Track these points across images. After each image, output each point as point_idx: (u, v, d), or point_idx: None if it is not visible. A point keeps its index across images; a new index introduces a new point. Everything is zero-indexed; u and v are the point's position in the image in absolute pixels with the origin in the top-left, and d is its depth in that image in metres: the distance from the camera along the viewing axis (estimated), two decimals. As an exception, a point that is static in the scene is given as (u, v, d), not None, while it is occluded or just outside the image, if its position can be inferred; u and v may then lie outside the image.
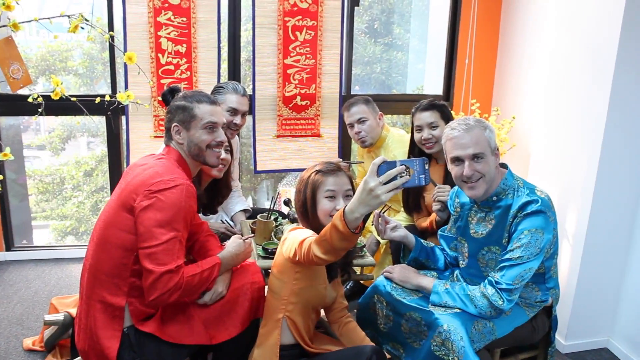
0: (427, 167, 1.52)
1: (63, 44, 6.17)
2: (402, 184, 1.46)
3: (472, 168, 1.94)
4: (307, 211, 1.88)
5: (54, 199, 7.47)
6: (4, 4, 1.79)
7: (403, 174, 1.46)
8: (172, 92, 2.04)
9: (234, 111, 2.69)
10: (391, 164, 1.47)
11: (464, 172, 1.95)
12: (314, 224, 1.86)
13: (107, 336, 1.75)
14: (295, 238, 1.77)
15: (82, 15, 1.90)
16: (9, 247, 3.68)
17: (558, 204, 2.72)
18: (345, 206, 1.52)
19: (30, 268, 3.56)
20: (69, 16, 1.89)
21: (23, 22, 1.89)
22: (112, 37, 2.67)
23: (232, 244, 1.98)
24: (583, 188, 2.57)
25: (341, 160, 2.93)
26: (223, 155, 2.26)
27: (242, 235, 2.67)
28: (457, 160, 1.98)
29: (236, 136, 3.01)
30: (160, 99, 2.01)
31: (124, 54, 2.14)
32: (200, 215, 2.65)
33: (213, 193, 2.42)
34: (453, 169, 2.00)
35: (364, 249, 2.43)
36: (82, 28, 1.92)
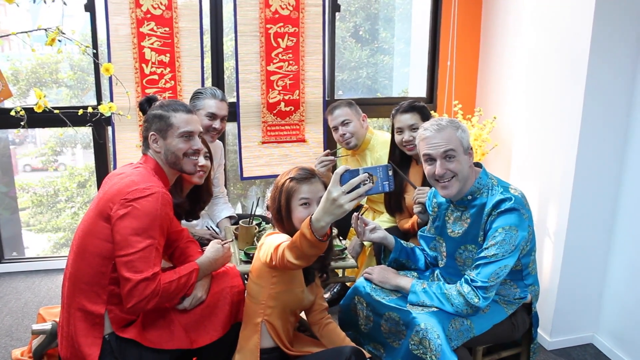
0: (390, 174, 1.55)
1: (52, 56, 6.20)
2: (366, 192, 1.49)
3: (443, 167, 1.97)
4: (282, 218, 1.91)
5: (49, 211, 7.48)
6: None
7: (366, 182, 1.49)
8: (149, 101, 2.07)
9: (212, 116, 2.73)
10: (354, 172, 1.51)
11: (436, 171, 1.98)
12: (290, 230, 1.89)
13: (87, 343, 1.77)
14: (271, 243, 1.79)
15: (58, 28, 1.93)
16: (-1, 259, 3.70)
17: (539, 202, 2.75)
18: (312, 214, 1.55)
19: (21, 280, 3.58)
20: (45, 29, 1.92)
21: (2, 37, 1.92)
22: (95, 49, 2.71)
23: (211, 249, 2.01)
24: (562, 185, 2.60)
25: (329, 151, 2.96)
26: (202, 162, 2.28)
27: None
28: (430, 159, 2.01)
29: (219, 141, 3.03)
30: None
31: (102, 66, 2.16)
32: (184, 221, 2.68)
33: (194, 199, 2.44)
34: (426, 168, 2.04)
35: (345, 251, 2.46)
36: (60, 41, 1.95)
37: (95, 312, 1.80)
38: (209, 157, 2.40)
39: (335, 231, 2.57)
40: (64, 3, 1.93)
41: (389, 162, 2.70)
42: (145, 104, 2.07)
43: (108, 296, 1.81)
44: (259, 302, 1.89)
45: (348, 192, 1.47)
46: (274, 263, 1.75)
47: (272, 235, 1.88)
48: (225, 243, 2.07)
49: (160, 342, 1.84)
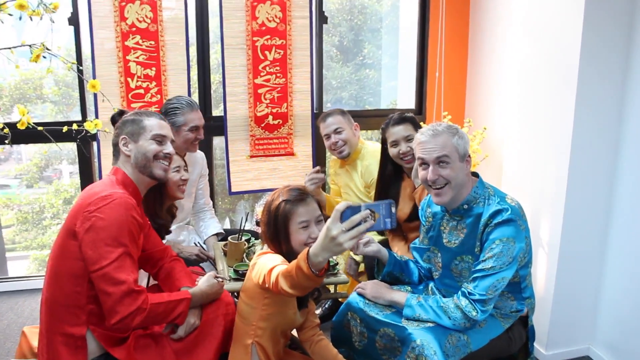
0: (393, 211, 1.50)
1: (37, 72, 6.14)
2: (367, 229, 1.43)
3: (436, 172, 1.94)
4: (280, 242, 1.83)
5: (34, 229, 7.36)
6: None
7: (368, 219, 1.44)
8: (121, 114, 2.03)
9: (196, 128, 2.65)
10: (355, 209, 1.44)
11: (428, 176, 1.95)
12: (287, 251, 1.83)
13: None
14: (264, 265, 1.73)
15: (43, 45, 1.88)
16: (-19, 279, 3.60)
17: (531, 213, 2.73)
18: (310, 247, 1.49)
19: (3, 300, 3.47)
20: (30, 45, 1.87)
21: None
22: (79, 65, 2.63)
23: (205, 282, 1.96)
24: (555, 195, 2.58)
25: (319, 167, 2.90)
26: (186, 175, 2.25)
27: (214, 260, 2.64)
28: (423, 163, 1.98)
29: (201, 152, 2.96)
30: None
31: (88, 82, 2.11)
32: (171, 237, 2.61)
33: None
34: (420, 173, 2.00)
35: (337, 266, 2.41)
36: (45, 57, 1.90)
37: (76, 334, 1.73)
38: (186, 170, 2.37)
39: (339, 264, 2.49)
40: (52, 21, 1.88)
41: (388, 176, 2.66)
42: (117, 117, 2.04)
43: (87, 316, 1.75)
44: (250, 324, 1.83)
45: (348, 230, 1.42)
46: (267, 285, 1.70)
47: (265, 256, 1.82)
48: (221, 279, 2.03)
49: None
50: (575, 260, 2.62)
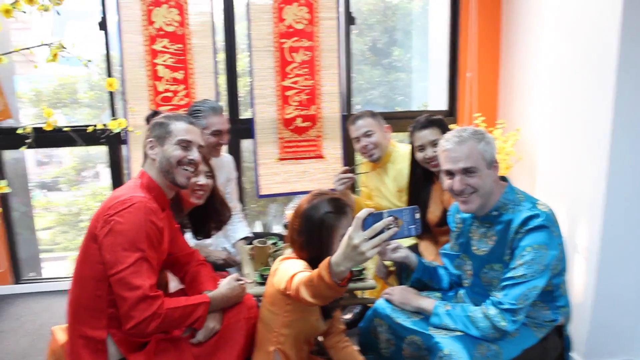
0: (417, 217, 1.45)
1: (73, 77, 6.26)
2: (390, 237, 1.39)
3: (462, 182, 1.86)
4: (318, 251, 1.76)
5: (72, 230, 7.53)
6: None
7: (391, 226, 1.38)
8: (155, 114, 2.02)
9: (219, 132, 2.62)
10: (377, 216, 1.39)
11: (454, 186, 1.87)
12: (319, 259, 1.78)
13: None
14: (286, 271, 1.70)
15: (61, 43, 1.89)
16: (17, 279, 3.67)
17: (568, 217, 2.62)
18: (332, 256, 1.44)
19: (37, 301, 3.54)
20: (48, 45, 1.88)
21: (4, 54, 1.88)
22: (109, 67, 2.67)
23: (226, 285, 1.92)
24: (593, 198, 2.47)
25: (348, 168, 2.85)
26: (202, 181, 2.20)
27: (240, 265, 2.61)
28: (449, 173, 1.91)
29: (229, 155, 2.95)
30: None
31: (106, 81, 2.12)
32: (197, 240, 2.60)
33: (204, 216, 2.36)
34: (446, 182, 1.93)
35: (363, 272, 2.35)
36: (63, 56, 1.91)
37: (97, 337, 1.74)
38: (211, 175, 2.32)
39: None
40: (58, 13, 1.89)
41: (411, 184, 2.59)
42: (151, 117, 2.02)
43: (108, 320, 1.75)
44: (272, 330, 1.80)
45: (370, 238, 1.37)
46: (288, 292, 1.66)
47: (287, 261, 1.78)
48: (243, 282, 1.98)
49: None
50: (616, 266, 2.50)
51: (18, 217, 3.76)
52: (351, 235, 1.38)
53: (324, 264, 1.45)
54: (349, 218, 1.76)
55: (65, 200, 7.55)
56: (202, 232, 2.40)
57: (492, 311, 1.80)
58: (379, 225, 1.37)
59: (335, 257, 1.42)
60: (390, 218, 1.39)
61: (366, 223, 1.38)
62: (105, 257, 1.69)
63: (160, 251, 1.82)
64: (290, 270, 1.67)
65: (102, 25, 3.21)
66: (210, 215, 2.36)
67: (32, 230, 4.08)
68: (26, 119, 4.46)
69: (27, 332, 3.09)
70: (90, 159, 7.11)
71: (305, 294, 1.54)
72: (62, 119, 5.94)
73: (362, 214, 1.38)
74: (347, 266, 1.41)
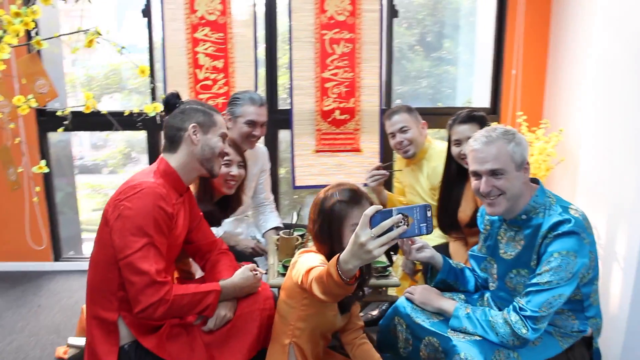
0: (429, 215, 1.40)
1: (124, 63, 6.43)
2: (399, 235, 1.35)
3: (489, 184, 1.80)
4: (329, 241, 1.76)
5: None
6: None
7: (400, 224, 1.34)
8: (178, 97, 1.98)
9: (252, 123, 2.62)
10: (386, 214, 1.35)
11: (481, 188, 1.81)
12: (337, 251, 1.76)
13: (104, 352, 1.74)
14: (303, 265, 1.68)
15: (97, 30, 1.93)
16: (57, 257, 3.81)
17: (608, 223, 2.50)
18: (340, 254, 1.42)
19: (76, 278, 3.66)
20: (85, 31, 1.93)
21: (46, 39, 1.94)
22: (151, 54, 2.70)
23: (240, 275, 1.92)
24: (634, 206, 2.35)
25: (381, 164, 2.81)
26: (235, 171, 2.22)
27: (266, 254, 2.62)
28: (475, 174, 1.85)
29: (263, 147, 2.96)
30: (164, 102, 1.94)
31: (138, 67, 2.15)
32: (226, 230, 2.62)
33: (223, 206, 2.38)
34: (473, 182, 1.87)
35: (389, 268, 2.31)
36: (98, 42, 1.95)
37: (108, 319, 1.77)
38: (243, 165, 2.34)
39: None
40: (89, 1, 1.93)
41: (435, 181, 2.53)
42: (173, 99, 1.95)
43: (119, 302, 1.78)
44: (288, 323, 1.79)
45: (378, 236, 1.33)
46: (304, 286, 1.65)
47: (305, 255, 1.77)
48: (257, 273, 1.97)
49: (179, 356, 1.77)
50: (656, 279, 2.38)
51: (62, 197, 3.89)
52: (358, 232, 1.35)
53: (332, 262, 1.43)
54: (363, 208, 1.71)
55: (113, 183, 7.77)
56: (214, 221, 2.40)
57: (514, 317, 1.74)
58: (386, 223, 1.33)
59: (343, 255, 1.40)
60: (400, 216, 1.35)
61: (374, 220, 1.35)
62: (114, 241, 1.72)
63: (172, 237, 1.84)
64: (306, 264, 1.66)
65: (146, 12, 3.27)
66: (230, 204, 2.38)
67: (76, 210, 4.22)
68: (76, 103, 4.61)
69: (63, 308, 3.20)
70: (138, 143, 7.29)
71: (316, 291, 1.53)
72: (112, 104, 6.11)
73: (369, 211, 1.35)
74: (355, 264, 1.38)
